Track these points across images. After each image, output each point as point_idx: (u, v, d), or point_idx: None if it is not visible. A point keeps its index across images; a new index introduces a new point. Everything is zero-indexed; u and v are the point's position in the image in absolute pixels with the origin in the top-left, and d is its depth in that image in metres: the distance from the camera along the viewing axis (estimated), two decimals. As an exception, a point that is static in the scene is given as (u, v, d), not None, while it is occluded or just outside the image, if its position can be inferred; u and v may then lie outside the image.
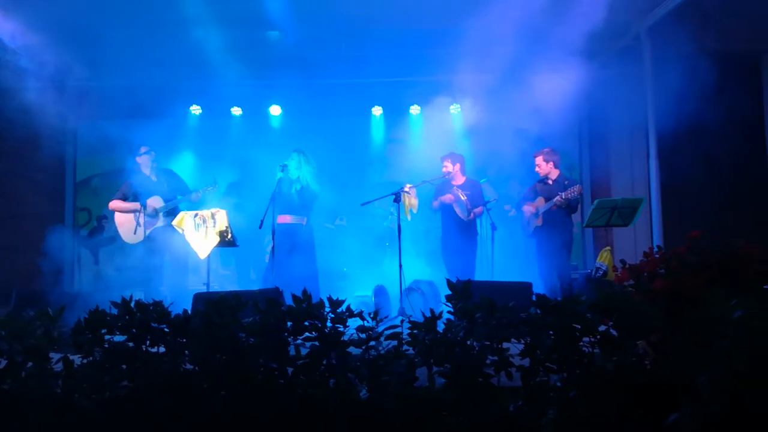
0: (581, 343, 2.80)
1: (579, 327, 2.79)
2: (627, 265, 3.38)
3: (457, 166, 6.88)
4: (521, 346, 2.84)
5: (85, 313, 3.11)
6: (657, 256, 3.32)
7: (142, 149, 6.68)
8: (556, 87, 7.48)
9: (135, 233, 6.45)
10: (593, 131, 9.31)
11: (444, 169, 6.87)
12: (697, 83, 6.20)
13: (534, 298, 2.98)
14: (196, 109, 9.43)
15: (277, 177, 6.67)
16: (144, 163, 6.63)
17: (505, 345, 2.85)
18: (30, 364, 2.98)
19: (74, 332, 3.01)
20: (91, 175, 9.64)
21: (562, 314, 2.81)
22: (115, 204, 6.61)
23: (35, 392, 2.88)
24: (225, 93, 9.06)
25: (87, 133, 9.71)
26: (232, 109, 9.46)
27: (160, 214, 6.44)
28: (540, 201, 6.83)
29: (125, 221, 6.57)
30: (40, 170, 9.25)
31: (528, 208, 6.97)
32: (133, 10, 7.03)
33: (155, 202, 6.44)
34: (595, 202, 6.49)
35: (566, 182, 6.64)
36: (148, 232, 6.40)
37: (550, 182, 6.84)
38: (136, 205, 6.49)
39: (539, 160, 6.93)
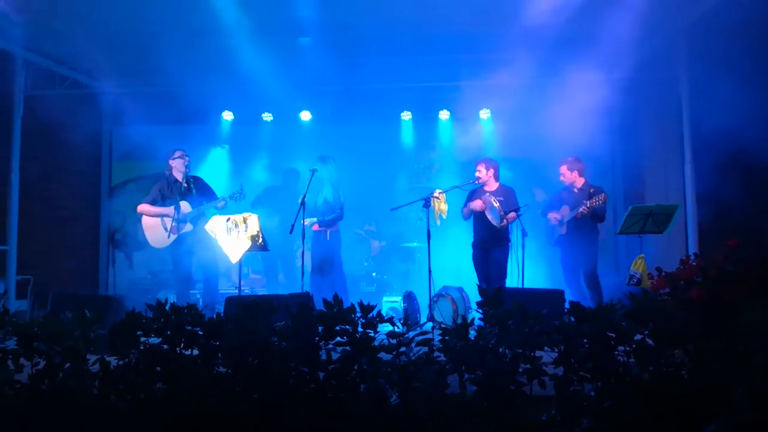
0: (616, 352, 2.76)
1: (614, 336, 2.75)
2: (663, 273, 3.33)
3: (491, 171, 6.79)
4: (554, 355, 2.81)
5: (118, 315, 3.16)
6: (693, 264, 3.27)
7: (177, 153, 6.66)
8: (589, 91, 7.40)
9: (162, 238, 6.47)
10: (627, 136, 9.17)
11: (477, 173, 6.79)
12: (734, 86, 6.06)
13: (567, 305, 2.95)
14: (228, 115, 9.55)
15: (307, 182, 6.72)
16: (177, 166, 6.60)
17: (538, 353, 2.82)
18: (68, 365, 3.04)
19: (111, 334, 3.06)
20: (126, 179, 9.83)
21: (597, 322, 2.78)
22: (143, 207, 6.60)
23: (73, 393, 2.94)
24: (256, 99, 9.16)
25: (122, 138, 9.92)
26: (263, 115, 9.56)
27: (188, 219, 6.46)
28: (565, 209, 6.75)
29: (152, 225, 6.57)
30: (76, 175, 9.47)
31: (553, 216, 6.90)
32: (168, 18, 7.15)
33: (184, 208, 6.47)
34: (629, 208, 6.37)
35: (592, 190, 6.52)
36: (175, 237, 6.41)
37: (576, 190, 6.75)
38: (164, 210, 6.50)
39: (563, 169, 6.84)
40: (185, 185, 6.52)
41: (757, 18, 5.67)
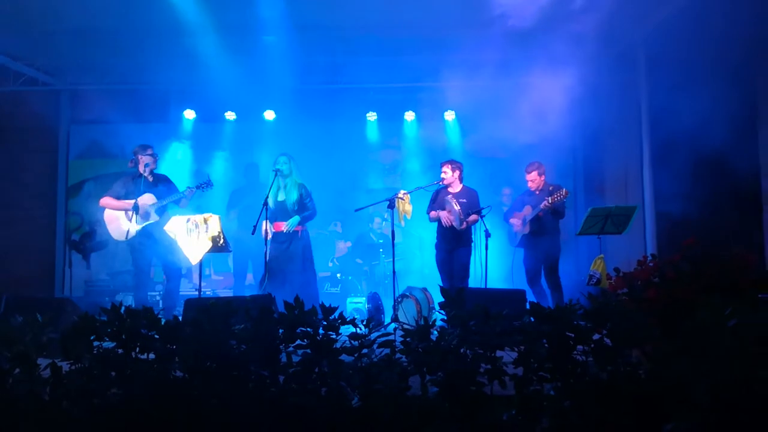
0: (575, 352, 2.78)
1: (573, 336, 2.77)
2: (621, 274, 3.37)
3: (456, 173, 6.78)
4: (515, 355, 2.82)
5: (75, 318, 3.07)
6: (651, 264, 3.32)
7: (149, 149, 6.45)
8: (551, 94, 7.48)
9: (124, 230, 6.29)
10: (587, 138, 9.32)
11: (443, 174, 6.78)
12: (691, 91, 6.20)
13: (528, 306, 2.96)
14: (190, 114, 9.40)
15: (269, 183, 6.61)
16: (144, 161, 6.39)
17: (499, 353, 2.82)
18: (17, 370, 2.93)
19: (63, 339, 2.96)
20: (84, 179, 9.59)
21: (556, 322, 2.79)
22: (106, 201, 6.42)
23: (23, 399, 2.84)
24: (219, 97, 9.04)
25: (80, 137, 9.69)
26: (225, 114, 9.43)
27: (152, 211, 6.33)
28: (527, 209, 6.82)
29: (115, 218, 6.40)
30: (32, 174, 9.22)
31: (515, 221, 6.96)
32: (129, 15, 7.00)
33: (148, 199, 6.31)
34: (589, 209, 6.47)
35: (551, 188, 6.61)
36: (139, 228, 6.25)
37: (537, 192, 6.83)
38: (127, 203, 6.30)
39: (534, 175, 6.82)
40: (150, 179, 6.41)
41: (710, 27, 5.83)
